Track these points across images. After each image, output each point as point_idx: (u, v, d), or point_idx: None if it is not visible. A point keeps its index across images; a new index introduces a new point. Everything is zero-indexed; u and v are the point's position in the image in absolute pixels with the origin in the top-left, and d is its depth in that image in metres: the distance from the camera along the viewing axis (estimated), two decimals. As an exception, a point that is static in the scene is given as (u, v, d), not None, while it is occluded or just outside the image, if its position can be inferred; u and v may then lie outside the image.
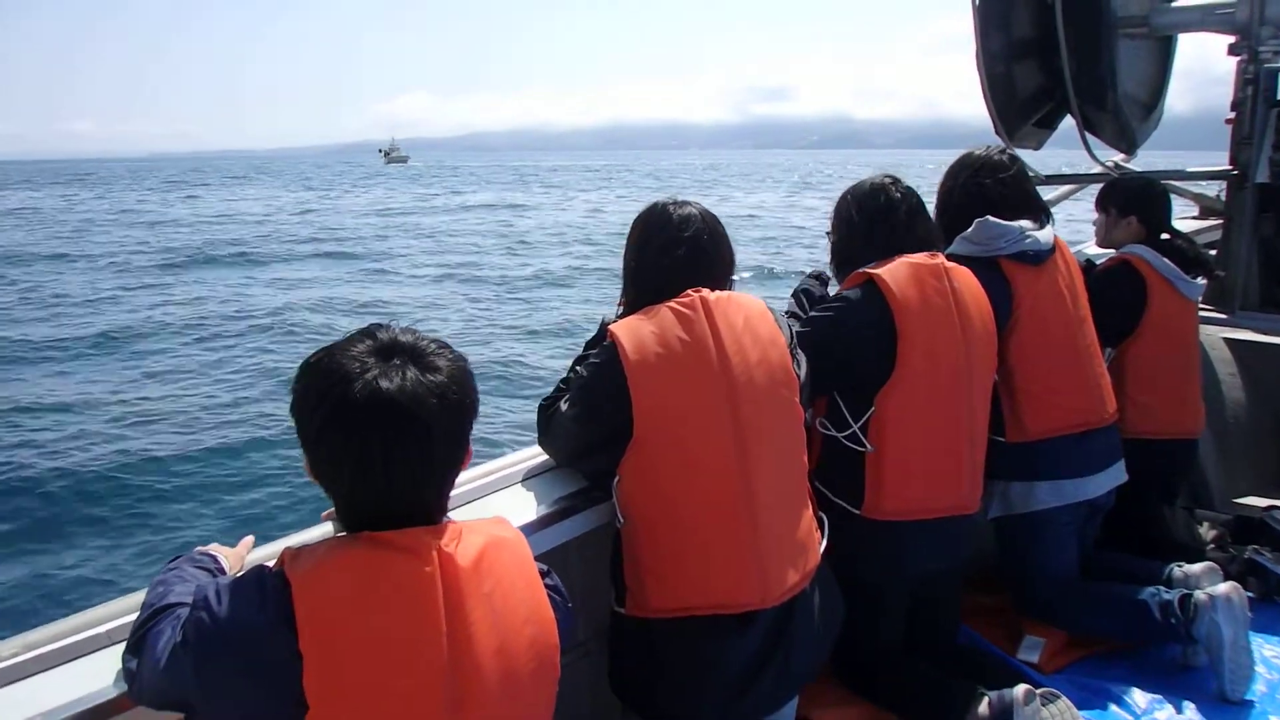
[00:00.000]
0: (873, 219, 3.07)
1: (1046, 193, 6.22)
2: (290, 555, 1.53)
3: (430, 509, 1.63)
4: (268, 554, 2.11)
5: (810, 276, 3.48)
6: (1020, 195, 3.40)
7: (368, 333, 1.63)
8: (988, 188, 3.40)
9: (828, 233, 3.24)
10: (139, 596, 1.87)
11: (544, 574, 1.78)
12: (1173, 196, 4.48)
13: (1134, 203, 4.08)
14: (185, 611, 1.59)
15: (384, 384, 1.53)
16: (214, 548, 2.04)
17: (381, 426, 1.53)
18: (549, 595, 1.73)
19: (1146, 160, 6.06)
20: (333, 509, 1.68)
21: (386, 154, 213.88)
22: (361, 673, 1.46)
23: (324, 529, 2.15)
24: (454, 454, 1.64)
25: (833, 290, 3.20)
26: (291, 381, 1.64)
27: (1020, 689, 2.79)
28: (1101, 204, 4.16)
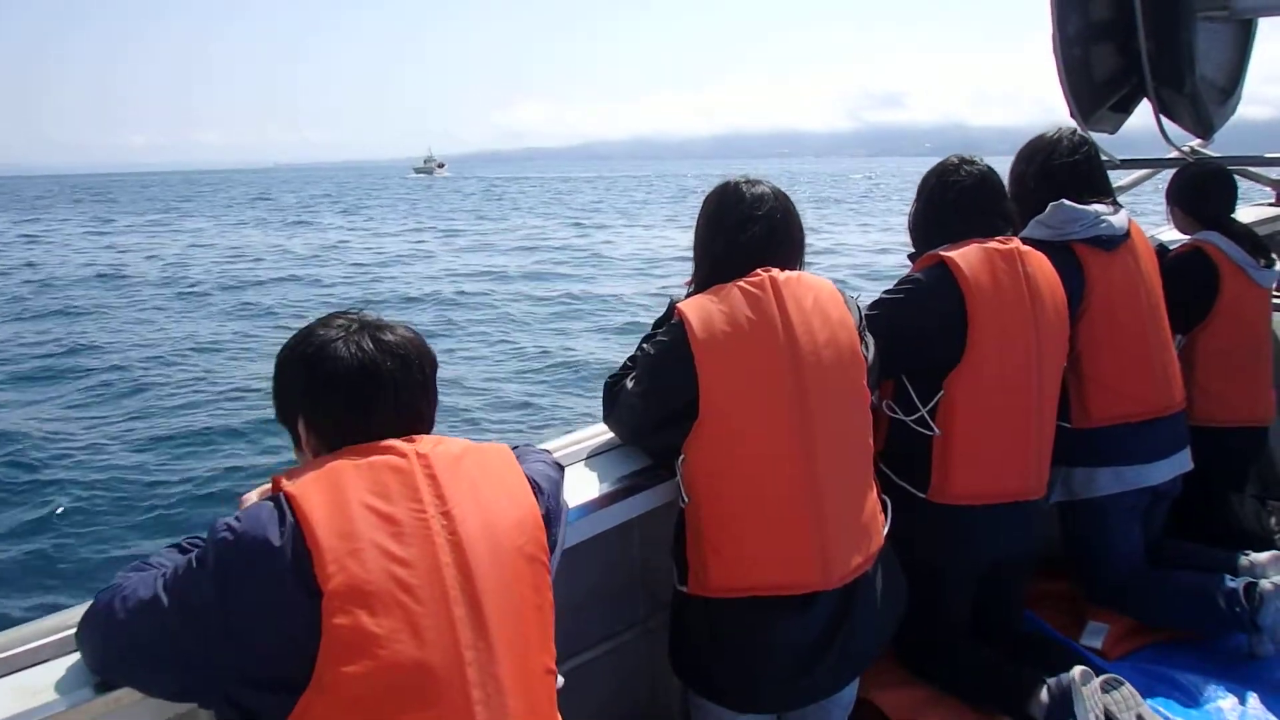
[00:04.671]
0: (946, 199, 3.07)
1: (1122, 177, 6.18)
2: (283, 477, 1.68)
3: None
4: None
5: None
6: (1091, 179, 3.39)
7: (332, 316, 1.87)
8: (1059, 170, 3.39)
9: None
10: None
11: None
12: (1251, 184, 4.42)
13: (1176, 192, 4.08)
14: (155, 567, 1.73)
15: (364, 344, 1.79)
16: None
17: (370, 380, 1.78)
18: (530, 480, 1.90)
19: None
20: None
21: (426, 162, 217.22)
22: (366, 559, 1.56)
23: None
24: (430, 404, 1.89)
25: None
26: (275, 371, 1.87)
27: (1077, 669, 2.80)
28: (1167, 192, 4.15)
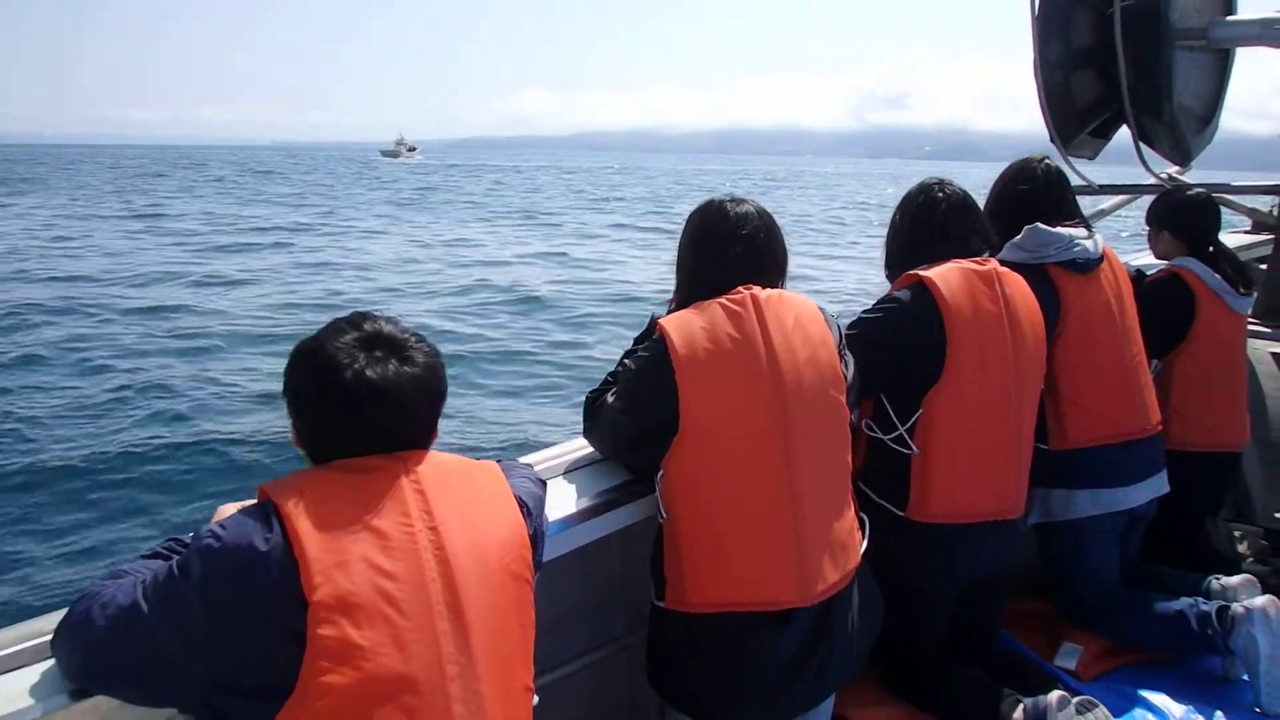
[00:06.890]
0: (916, 221, 3.11)
1: (1101, 203, 6.23)
2: (269, 487, 1.67)
3: None
4: None
5: None
6: (1054, 204, 3.43)
7: (353, 323, 1.80)
8: (1021, 196, 3.44)
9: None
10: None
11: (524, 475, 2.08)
12: (1225, 211, 4.45)
13: (1167, 217, 4.10)
14: (133, 574, 1.72)
15: (370, 374, 1.72)
16: None
17: (367, 409, 1.73)
18: (519, 499, 1.89)
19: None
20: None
21: (396, 144, 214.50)
22: (353, 570, 1.57)
23: None
24: (426, 434, 1.84)
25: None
26: (286, 365, 1.81)
27: (1054, 695, 2.81)
28: (1147, 217, 4.18)
